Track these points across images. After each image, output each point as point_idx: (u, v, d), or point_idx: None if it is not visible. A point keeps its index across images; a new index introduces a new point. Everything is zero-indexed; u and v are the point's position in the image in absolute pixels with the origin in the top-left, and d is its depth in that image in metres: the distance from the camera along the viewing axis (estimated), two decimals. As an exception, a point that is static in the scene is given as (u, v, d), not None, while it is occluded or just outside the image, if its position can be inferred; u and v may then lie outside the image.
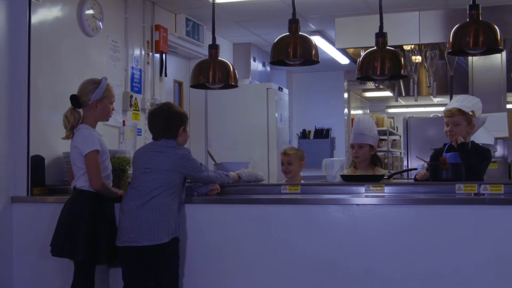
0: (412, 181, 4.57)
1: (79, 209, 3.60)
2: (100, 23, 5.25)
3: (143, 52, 6.06)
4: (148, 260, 3.53)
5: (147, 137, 6.02)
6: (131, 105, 5.72)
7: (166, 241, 3.48)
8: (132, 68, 5.86)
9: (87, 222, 3.57)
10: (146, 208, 3.49)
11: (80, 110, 3.73)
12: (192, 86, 4.49)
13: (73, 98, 3.71)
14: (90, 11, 5.10)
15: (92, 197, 3.63)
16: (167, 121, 3.68)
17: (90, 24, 5.09)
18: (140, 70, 5.99)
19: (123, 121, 5.65)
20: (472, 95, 4.86)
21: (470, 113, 4.22)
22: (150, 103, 6.03)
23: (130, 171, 4.17)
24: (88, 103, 3.71)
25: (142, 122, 5.95)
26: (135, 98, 5.81)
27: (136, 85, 5.90)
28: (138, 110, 5.90)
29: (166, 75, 6.40)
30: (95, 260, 3.60)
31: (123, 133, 5.64)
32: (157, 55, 6.30)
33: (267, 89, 7.75)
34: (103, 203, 3.68)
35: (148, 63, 6.13)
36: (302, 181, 5.02)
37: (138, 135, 5.90)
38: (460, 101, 4.27)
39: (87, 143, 3.62)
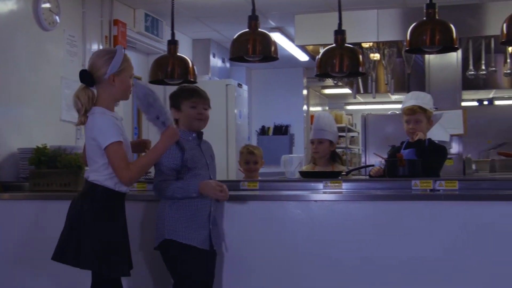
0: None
1: (88, 206, 3.02)
2: (57, 17, 5.17)
3: (101, 47, 5.99)
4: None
5: (105, 133, 5.95)
6: (88, 101, 5.65)
7: (155, 246, 3.27)
8: (90, 63, 5.78)
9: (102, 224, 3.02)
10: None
11: (93, 89, 3.08)
12: (150, 82, 4.46)
13: (84, 74, 3.05)
14: (47, 5, 5.02)
15: (105, 193, 3.04)
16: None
17: (46, 18, 5.02)
18: (98, 65, 5.92)
19: (80, 117, 5.57)
20: (428, 93, 4.92)
21: (430, 109, 4.28)
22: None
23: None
24: (104, 78, 3.03)
25: (100, 118, 5.87)
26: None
27: (93, 80, 5.83)
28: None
29: (88, 59, 6.33)
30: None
31: (79, 129, 5.56)
32: (116, 50, 6.23)
33: (227, 85, 7.74)
34: (120, 201, 3.13)
35: (106, 58, 6.06)
36: (260, 178, 5.03)
37: (95, 131, 5.82)
38: (415, 98, 4.31)
39: (106, 134, 2.98)
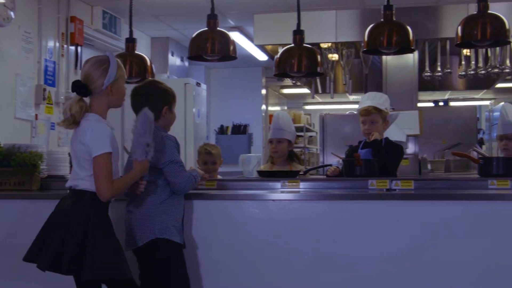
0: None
1: (90, 216, 2.96)
2: (12, 13, 5.08)
3: (57, 44, 5.91)
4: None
5: (60, 131, 5.88)
6: (44, 99, 5.57)
7: (139, 245, 3.19)
8: (46, 60, 5.70)
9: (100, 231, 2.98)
10: (129, 208, 3.27)
11: (86, 99, 3.05)
12: (108, 80, 4.41)
13: (80, 86, 3.01)
14: (1, 0, 4.93)
15: (98, 199, 2.98)
16: (147, 100, 3.27)
17: (0, 14, 4.92)
18: (54, 63, 5.84)
19: (36, 115, 5.50)
20: (384, 93, 4.98)
21: (385, 110, 4.32)
22: (65, 97, 5.89)
23: (42, 166, 4.06)
24: (101, 89, 3.02)
25: (56, 116, 5.81)
26: (49, 91, 5.66)
27: (49, 78, 5.75)
28: (52, 104, 5.75)
29: (81, 68, 6.26)
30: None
31: (35, 127, 5.49)
32: (72, 48, 6.16)
33: (185, 84, 7.70)
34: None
35: (62, 55, 5.99)
36: (219, 177, 5.01)
37: (51, 129, 5.75)
38: (371, 99, 4.35)
39: (99, 143, 2.94)
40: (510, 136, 4.41)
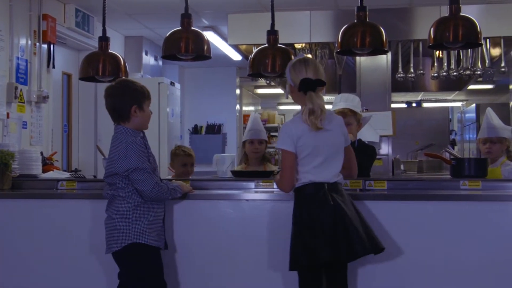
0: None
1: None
2: (-17, 10, 5.02)
3: (29, 42, 5.85)
4: None
5: (33, 130, 5.82)
6: (16, 97, 5.51)
7: (116, 249, 3.17)
8: (18, 58, 5.64)
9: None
10: (107, 213, 3.24)
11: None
12: (81, 79, 4.38)
13: (314, 82, 3.21)
14: (-28, -3, 4.87)
15: None
16: (115, 101, 3.28)
17: (-29, 11, 4.86)
18: (26, 61, 5.78)
19: (7, 114, 5.43)
20: (358, 94, 5.01)
21: (360, 112, 4.35)
22: (37, 95, 5.83)
23: (14, 165, 4.01)
24: None
25: (28, 114, 5.75)
26: (21, 89, 5.60)
27: (21, 76, 5.69)
28: (24, 102, 5.69)
29: (54, 67, 6.21)
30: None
31: (7, 126, 5.43)
32: (45, 46, 6.09)
33: (159, 83, 7.67)
34: None
35: (35, 53, 5.92)
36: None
37: (23, 128, 5.68)
38: (345, 100, 4.37)
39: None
40: (495, 139, 4.47)
